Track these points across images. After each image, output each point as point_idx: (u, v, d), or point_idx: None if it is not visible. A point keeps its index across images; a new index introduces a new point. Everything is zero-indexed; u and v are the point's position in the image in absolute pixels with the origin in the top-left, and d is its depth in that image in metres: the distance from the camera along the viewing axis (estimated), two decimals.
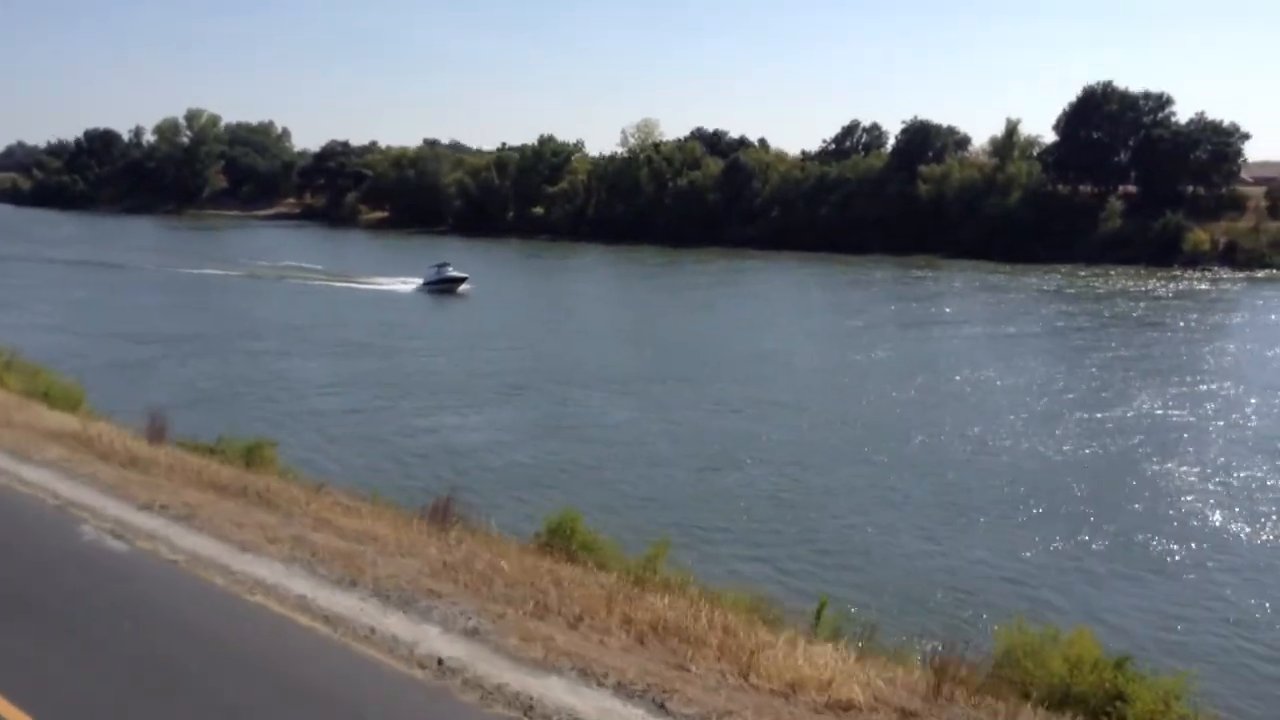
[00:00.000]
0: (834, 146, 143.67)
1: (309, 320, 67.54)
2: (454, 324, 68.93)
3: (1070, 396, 45.77)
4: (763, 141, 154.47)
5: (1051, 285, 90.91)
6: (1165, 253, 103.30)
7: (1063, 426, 39.87)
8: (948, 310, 76.96)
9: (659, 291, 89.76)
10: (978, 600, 23.22)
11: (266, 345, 57.44)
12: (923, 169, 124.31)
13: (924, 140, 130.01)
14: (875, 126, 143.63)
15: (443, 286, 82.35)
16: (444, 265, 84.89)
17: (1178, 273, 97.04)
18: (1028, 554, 26.39)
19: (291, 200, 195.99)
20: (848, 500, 31.01)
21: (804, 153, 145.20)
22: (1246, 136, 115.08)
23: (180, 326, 63.11)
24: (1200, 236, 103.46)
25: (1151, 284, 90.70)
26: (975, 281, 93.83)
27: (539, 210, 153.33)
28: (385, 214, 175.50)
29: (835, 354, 57.41)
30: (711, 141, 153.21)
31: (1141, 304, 79.44)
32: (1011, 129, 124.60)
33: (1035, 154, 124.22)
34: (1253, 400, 45.29)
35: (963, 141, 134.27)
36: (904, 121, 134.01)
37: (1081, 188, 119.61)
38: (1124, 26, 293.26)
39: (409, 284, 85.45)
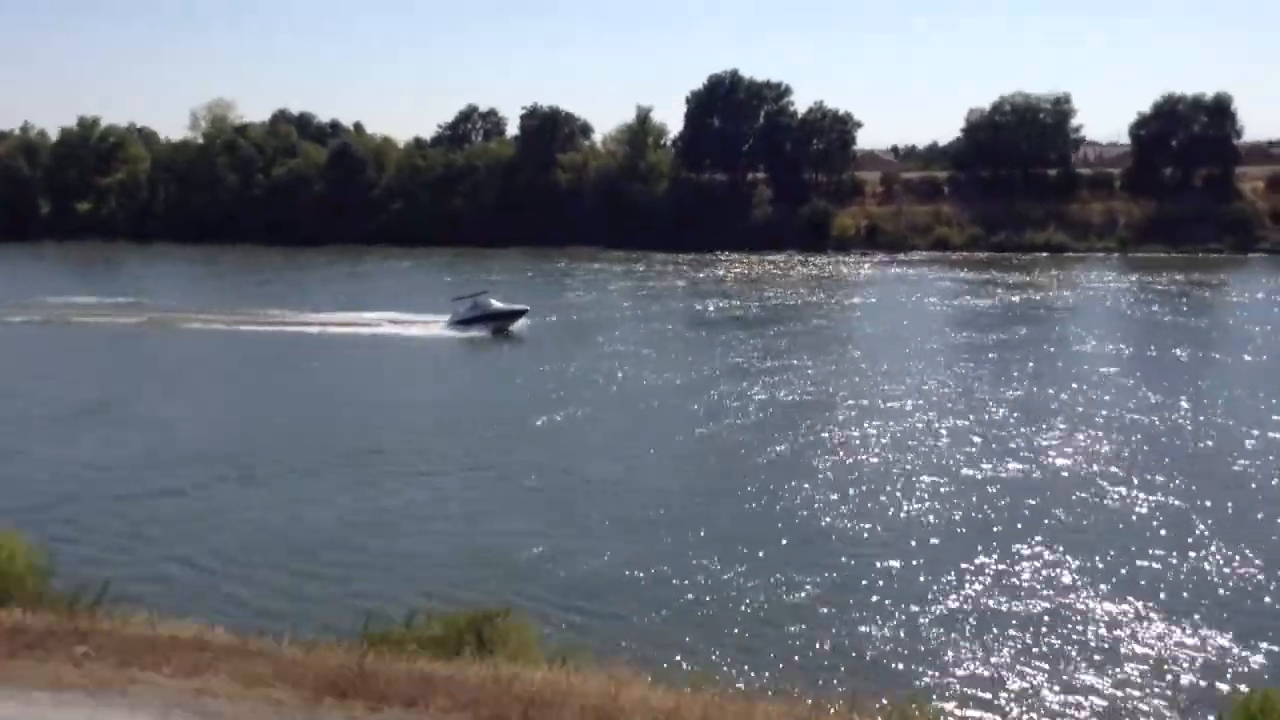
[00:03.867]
0: (450, 133, 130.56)
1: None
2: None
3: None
4: (358, 126, 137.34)
5: (737, 273, 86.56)
6: (816, 238, 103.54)
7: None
8: (655, 307, 69.26)
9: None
10: None
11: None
12: (561, 157, 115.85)
13: (553, 127, 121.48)
14: (493, 112, 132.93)
15: (488, 325, 58.22)
16: (481, 294, 60.12)
17: (839, 257, 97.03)
18: None
19: None
20: None
21: (417, 139, 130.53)
22: (859, 125, 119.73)
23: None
24: (846, 222, 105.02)
25: (836, 269, 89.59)
26: (666, 272, 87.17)
27: (86, 206, 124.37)
28: None
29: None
30: (300, 126, 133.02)
31: (819, 289, 77.14)
32: (643, 116, 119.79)
33: (666, 143, 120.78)
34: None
35: (585, 129, 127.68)
36: (524, 108, 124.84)
37: (716, 176, 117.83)
38: (745, 16, 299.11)
39: (398, 321, 60.31)
